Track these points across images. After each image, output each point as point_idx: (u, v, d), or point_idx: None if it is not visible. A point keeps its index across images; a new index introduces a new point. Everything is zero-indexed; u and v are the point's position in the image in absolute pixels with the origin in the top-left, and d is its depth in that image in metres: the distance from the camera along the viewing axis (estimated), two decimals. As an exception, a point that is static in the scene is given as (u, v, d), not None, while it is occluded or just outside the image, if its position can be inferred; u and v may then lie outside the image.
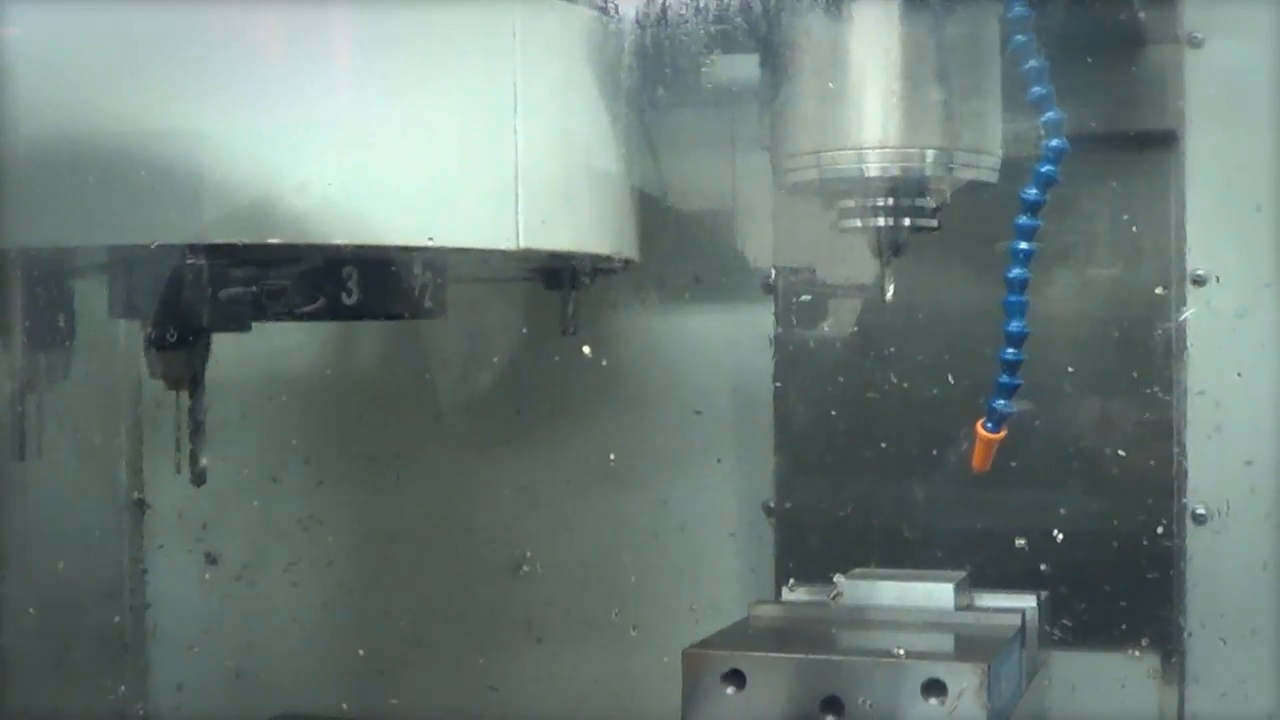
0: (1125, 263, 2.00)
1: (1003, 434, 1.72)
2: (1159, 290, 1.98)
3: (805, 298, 2.08)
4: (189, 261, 1.51)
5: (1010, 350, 1.68)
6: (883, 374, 2.05)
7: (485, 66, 1.57)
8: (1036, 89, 1.64)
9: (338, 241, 1.49)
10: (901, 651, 1.61)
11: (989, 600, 1.86)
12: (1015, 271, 1.68)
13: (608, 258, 1.75)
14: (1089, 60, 1.87)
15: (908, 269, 1.82)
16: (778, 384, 2.11)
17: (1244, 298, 1.97)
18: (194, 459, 1.63)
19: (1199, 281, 1.98)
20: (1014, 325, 1.68)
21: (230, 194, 1.47)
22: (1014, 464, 1.97)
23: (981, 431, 1.72)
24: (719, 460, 2.15)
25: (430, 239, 1.52)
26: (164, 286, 1.53)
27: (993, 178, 1.75)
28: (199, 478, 1.62)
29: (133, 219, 1.48)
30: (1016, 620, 1.80)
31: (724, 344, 2.16)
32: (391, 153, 1.51)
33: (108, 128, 1.47)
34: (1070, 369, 2.00)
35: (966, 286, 2.00)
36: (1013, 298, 1.68)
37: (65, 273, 1.74)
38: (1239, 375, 1.97)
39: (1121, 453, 1.98)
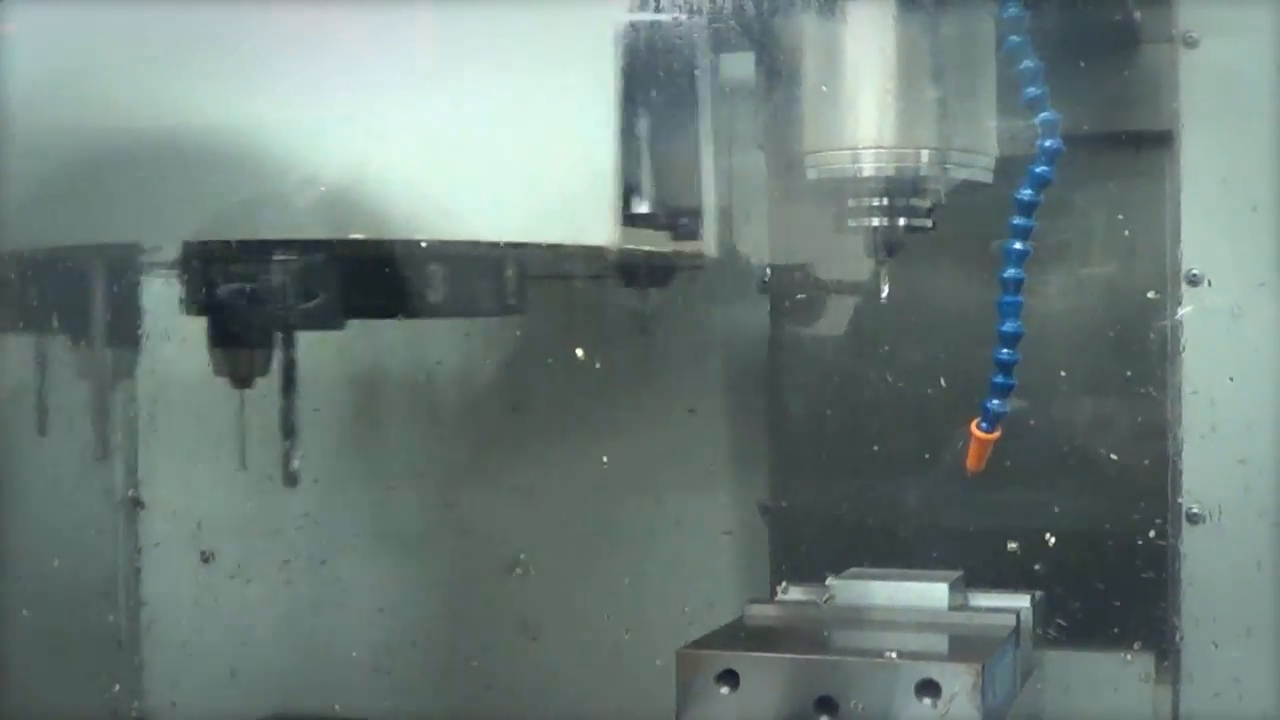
0: (1120, 262, 2.00)
1: (997, 434, 1.72)
2: (1153, 290, 1.98)
3: (800, 296, 2.08)
4: (279, 258, 1.49)
5: (1005, 350, 1.68)
6: (878, 373, 2.05)
7: (589, 62, 1.55)
8: (1031, 90, 1.64)
9: (443, 238, 1.48)
10: (894, 654, 1.61)
11: (983, 600, 1.86)
12: (1010, 271, 1.68)
13: (693, 255, 1.75)
14: (1084, 60, 1.87)
15: (904, 268, 1.81)
16: (773, 382, 2.11)
17: (1239, 297, 1.97)
18: (286, 460, 1.61)
19: (1194, 281, 1.98)
20: (1008, 325, 1.68)
21: (319, 189, 1.45)
22: (1008, 463, 1.97)
23: (976, 432, 1.72)
24: (713, 458, 2.15)
25: (530, 236, 1.51)
26: (249, 284, 1.52)
27: (987, 178, 1.75)
28: (291, 479, 1.60)
29: (220, 215, 1.46)
30: (1011, 620, 1.80)
31: (719, 342, 2.16)
32: (493, 149, 1.49)
33: (196, 122, 1.45)
34: (1065, 368, 2.00)
35: (962, 285, 2.00)
36: (1007, 298, 1.68)
37: (135, 270, 1.73)
38: (1233, 375, 1.97)
39: (1115, 453, 1.98)
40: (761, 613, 1.86)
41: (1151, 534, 1.96)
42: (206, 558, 2.35)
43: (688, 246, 1.73)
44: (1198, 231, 1.98)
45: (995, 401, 1.70)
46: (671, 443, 2.17)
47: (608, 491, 2.17)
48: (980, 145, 1.74)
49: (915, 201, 1.75)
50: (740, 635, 1.79)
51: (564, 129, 1.53)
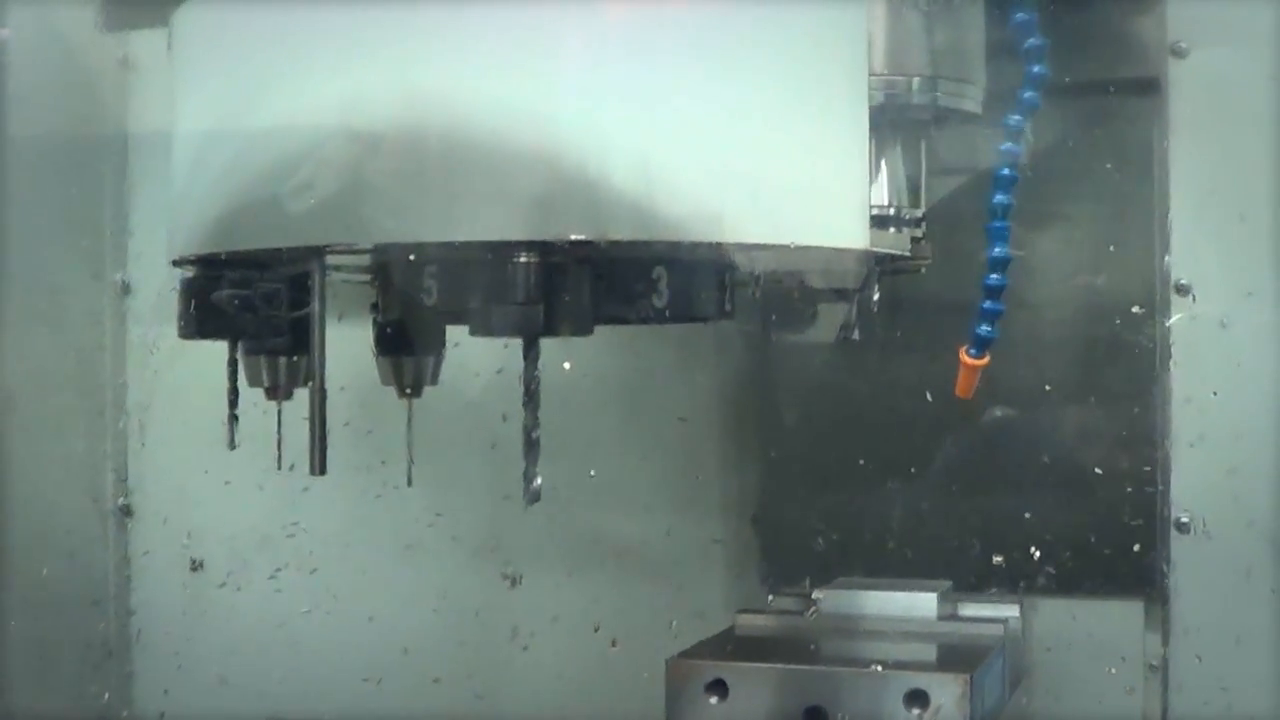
0: (1109, 271, 2.00)
1: (986, 360, 1.71)
2: (1142, 299, 1.99)
3: (792, 306, 2.08)
4: (524, 260, 1.41)
5: (993, 276, 1.68)
6: (869, 384, 2.06)
7: (844, 64, 1.52)
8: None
9: (693, 239, 1.41)
10: (879, 668, 1.61)
11: (972, 610, 1.87)
12: (998, 198, 1.68)
13: (911, 259, 1.73)
14: (1073, 64, 1.88)
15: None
16: (764, 392, 2.11)
17: (1227, 307, 1.97)
18: (528, 477, 1.53)
19: (1183, 290, 1.99)
20: (997, 250, 1.68)
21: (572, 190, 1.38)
22: (997, 472, 1.98)
23: (965, 357, 1.72)
24: (704, 468, 2.15)
25: (792, 239, 1.45)
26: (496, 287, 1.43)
27: (976, 109, 1.74)
28: (533, 496, 1.53)
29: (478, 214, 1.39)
30: (999, 630, 1.81)
31: (710, 351, 2.16)
32: (759, 151, 1.44)
33: (434, 120, 1.39)
34: (1055, 377, 2.00)
35: (953, 298, 2.00)
36: (995, 224, 1.68)
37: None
38: (1222, 384, 1.98)
39: (1104, 461, 1.99)
40: (752, 622, 1.87)
41: (1141, 542, 1.97)
42: (196, 565, 2.35)
43: (923, 250, 1.73)
44: (1186, 241, 1.99)
45: (984, 327, 1.70)
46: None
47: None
48: (969, 75, 1.73)
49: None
50: (730, 645, 1.80)
51: (822, 132, 1.49)
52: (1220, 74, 1.98)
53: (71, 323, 2.31)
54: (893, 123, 1.69)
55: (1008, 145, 1.67)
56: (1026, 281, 1.95)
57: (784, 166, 1.45)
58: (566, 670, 2.19)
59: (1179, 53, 1.98)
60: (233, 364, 1.64)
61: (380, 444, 2.20)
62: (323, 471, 1.53)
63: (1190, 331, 1.98)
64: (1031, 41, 1.67)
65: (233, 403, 1.66)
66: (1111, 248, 2.00)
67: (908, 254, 1.71)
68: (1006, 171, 1.67)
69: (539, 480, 1.50)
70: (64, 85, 2.29)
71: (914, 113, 1.71)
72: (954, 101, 1.70)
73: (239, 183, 1.48)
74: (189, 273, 1.60)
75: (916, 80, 1.68)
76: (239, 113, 1.49)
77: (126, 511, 2.37)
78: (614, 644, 2.11)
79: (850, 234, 1.52)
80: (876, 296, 1.80)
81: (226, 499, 2.27)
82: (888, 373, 2.04)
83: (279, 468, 1.68)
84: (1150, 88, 1.98)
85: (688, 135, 1.41)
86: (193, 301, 1.58)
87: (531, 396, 1.48)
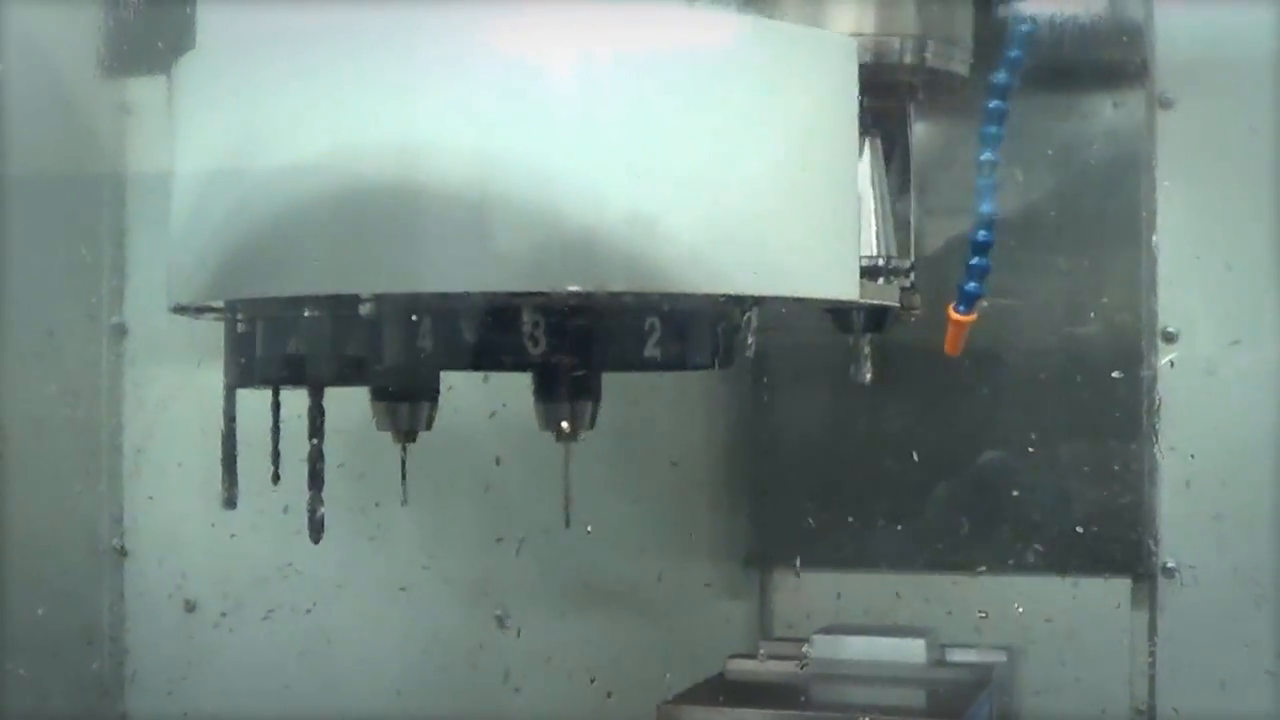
0: (1097, 319, 2.02)
1: (974, 316, 1.70)
2: (1130, 346, 2.01)
3: (784, 346, 2.09)
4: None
5: (981, 232, 1.67)
6: (862, 424, 2.07)
7: (832, 106, 1.51)
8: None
9: (687, 290, 1.40)
10: (867, 719, 1.62)
11: (960, 655, 1.88)
12: (985, 154, 1.66)
13: (911, 308, 1.74)
14: (1061, 116, 1.90)
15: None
16: (755, 434, 2.13)
17: (1214, 354, 2.00)
18: (311, 507, 1.59)
19: (1170, 338, 2.01)
20: (985, 206, 1.67)
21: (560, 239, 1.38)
22: (987, 515, 2.00)
23: (952, 314, 1.71)
24: (695, 512, 2.16)
25: (777, 289, 1.45)
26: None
27: (964, 70, 1.74)
28: (317, 528, 1.58)
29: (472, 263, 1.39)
30: (987, 675, 1.82)
31: (701, 393, 2.18)
32: (748, 199, 1.43)
33: (429, 170, 1.39)
34: (1043, 423, 2.02)
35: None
36: (982, 180, 1.67)
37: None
38: (1209, 431, 1.99)
39: (1092, 507, 2.00)
40: (743, 667, 1.88)
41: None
42: (191, 605, 2.36)
43: (913, 299, 1.74)
44: (1174, 289, 2.01)
45: (971, 284, 1.69)
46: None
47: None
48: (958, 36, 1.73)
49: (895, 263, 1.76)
50: (721, 690, 1.81)
51: (812, 180, 1.48)
52: (1207, 124, 2.01)
53: (68, 365, 2.32)
54: (882, 177, 1.71)
55: (995, 103, 1.66)
56: (1013, 328, 1.98)
57: (775, 218, 1.45)
58: (558, 713, 2.19)
59: (1165, 104, 2.01)
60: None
61: (374, 487, 2.21)
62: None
63: (1178, 378, 2.00)
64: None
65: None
66: (1098, 295, 2.02)
67: (898, 304, 1.72)
68: (992, 129, 1.65)
69: (322, 510, 1.59)
70: (63, 129, 2.30)
71: (902, 73, 1.71)
72: (942, 63, 1.71)
73: (237, 231, 1.49)
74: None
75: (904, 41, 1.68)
76: (238, 161, 1.50)
77: (121, 552, 2.38)
78: (609, 695, 2.11)
79: (840, 286, 1.52)
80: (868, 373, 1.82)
81: (221, 540, 2.27)
82: (879, 419, 2.06)
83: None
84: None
85: (679, 187, 1.41)
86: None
87: (316, 430, 1.57)
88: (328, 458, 2.04)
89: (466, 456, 2.20)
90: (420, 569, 2.25)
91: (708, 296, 1.46)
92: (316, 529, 1.61)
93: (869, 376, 1.81)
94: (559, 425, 1.60)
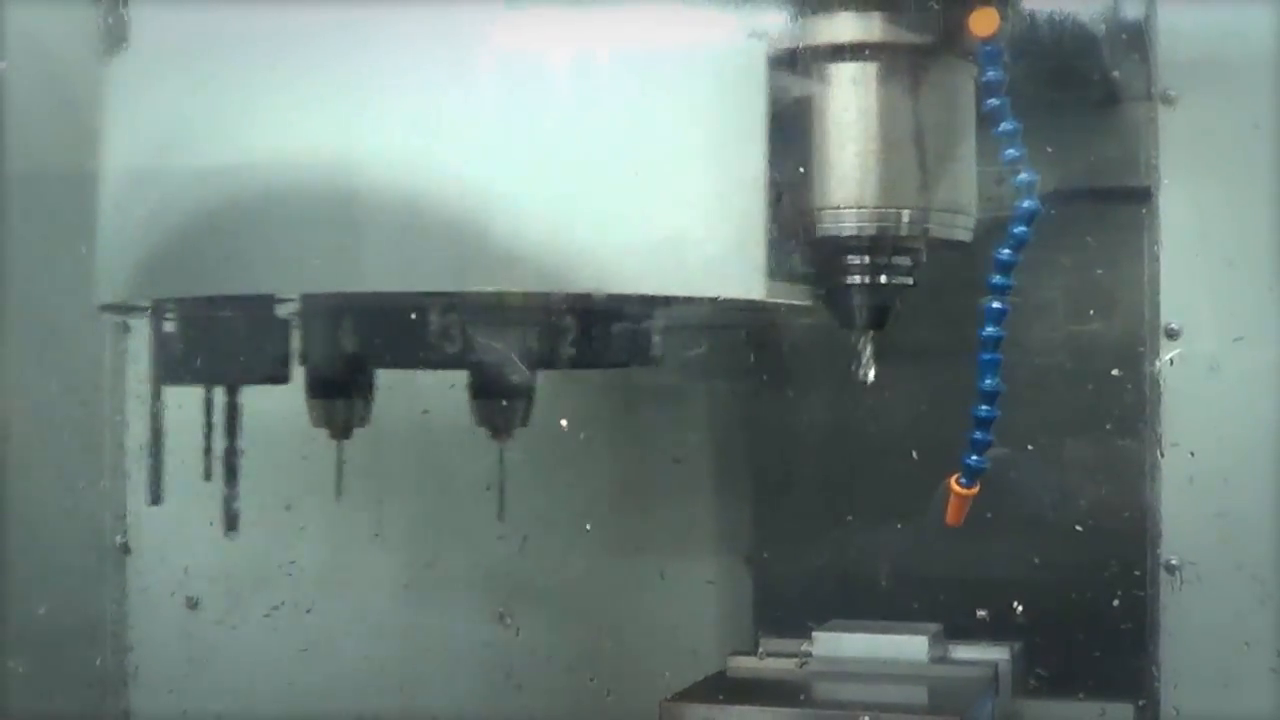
0: (1100, 316, 2.02)
1: (976, 490, 1.73)
2: (1133, 343, 2.00)
3: (784, 347, 2.09)
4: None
5: (984, 408, 1.69)
6: (862, 423, 2.07)
7: (738, 106, 1.54)
8: (1010, 151, 1.65)
9: (589, 290, 1.44)
10: (867, 717, 1.62)
11: (963, 652, 1.88)
12: (989, 329, 1.69)
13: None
14: (1064, 116, 1.90)
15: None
16: (756, 432, 2.13)
17: (1217, 351, 1.99)
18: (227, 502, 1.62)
19: (1172, 335, 2.01)
20: (988, 382, 1.69)
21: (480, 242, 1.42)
22: (988, 515, 1.99)
23: (955, 487, 1.73)
24: (697, 509, 2.16)
25: (686, 290, 1.49)
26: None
27: (967, 236, 1.76)
28: (231, 522, 1.63)
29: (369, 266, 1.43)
30: (989, 672, 1.82)
31: (703, 392, 2.18)
32: (646, 202, 1.47)
33: (357, 172, 1.42)
34: (1045, 420, 2.01)
35: (946, 337, 2.01)
36: (986, 355, 1.69)
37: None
38: (1211, 427, 1.99)
39: (1096, 503, 2.00)
40: (745, 664, 1.88)
41: (1131, 585, 1.98)
42: (193, 602, 2.36)
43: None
44: (1176, 286, 2.01)
45: (974, 458, 1.71)
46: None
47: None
48: (961, 205, 1.75)
49: (897, 260, 1.76)
50: (723, 687, 1.81)
51: (717, 181, 1.52)
52: (1209, 121, 2.00)
53: (70, 362, 2.32)
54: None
55: (998, 278, 1.68)
56: (1016, 324, 1.97)
57: (677, 217, 1.48)
58: (559, 711, 2.19)
59: (1167, 100, 2.01)
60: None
61: (376, 484, 2.22)
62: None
63: (1180, 375, 2.00)
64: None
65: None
66: (1101, 292, 2.02)
67: (809, 302, 1.72)
68: (996, 305, 1.67)
69: (238, 503, 1.66)
70: (64, 125, 2.30)
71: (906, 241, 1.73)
72: (946, 232, 1.73)
73: (167, 230, 1.51)
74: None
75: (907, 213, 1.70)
76: (166, 159, 1.52)
77: (124, 549, 2.38)
78: (609, 694, 2.11)
79: (746, 286, 1.55)
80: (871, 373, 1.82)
81: (223, 537, 2.27)
82: (880, 415, 2.05)
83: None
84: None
85: (588, 190, 1.44)
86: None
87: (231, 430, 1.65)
88: (328, 457, 2.05)
89: (468, 454, 2.19)
90: (423, 567, 2.25)
91: (612, 297, 1.48)
92: (231, 521, 1.70)
93: (872, 374, 1.80)
94: (491, 423, 1.67)
